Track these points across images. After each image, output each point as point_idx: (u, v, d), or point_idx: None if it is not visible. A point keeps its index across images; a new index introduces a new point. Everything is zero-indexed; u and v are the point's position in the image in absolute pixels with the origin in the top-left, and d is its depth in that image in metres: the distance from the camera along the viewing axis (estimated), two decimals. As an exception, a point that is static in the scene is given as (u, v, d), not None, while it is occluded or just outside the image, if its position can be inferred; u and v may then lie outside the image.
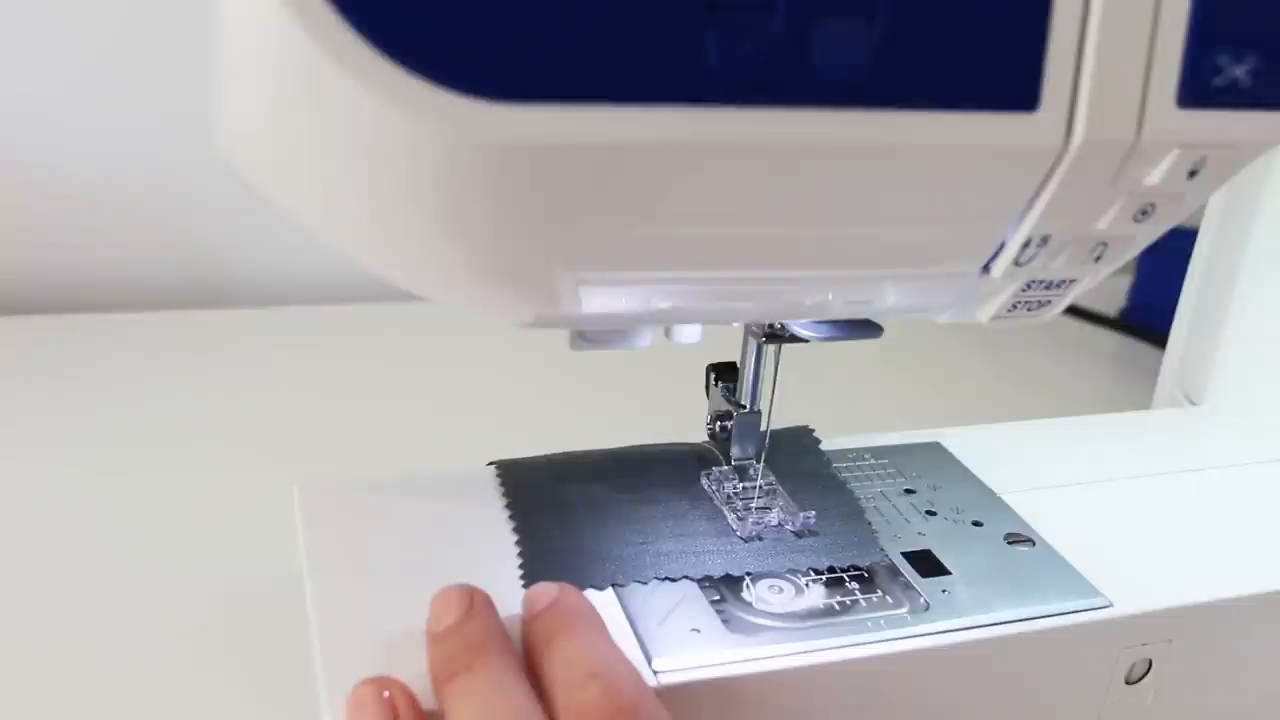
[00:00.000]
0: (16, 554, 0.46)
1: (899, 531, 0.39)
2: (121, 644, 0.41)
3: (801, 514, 0.39)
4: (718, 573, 0.36)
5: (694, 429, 0.42)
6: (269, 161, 0.25)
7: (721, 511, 0.39)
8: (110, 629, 0.41)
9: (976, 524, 0.40)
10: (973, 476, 0.43)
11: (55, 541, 0.47)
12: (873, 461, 0.44)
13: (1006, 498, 0.42)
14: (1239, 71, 0.25)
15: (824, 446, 0.44)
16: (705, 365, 0.41)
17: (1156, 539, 0.40)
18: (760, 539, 0.38)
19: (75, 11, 0.68)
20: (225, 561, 0.45)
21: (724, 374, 0.40)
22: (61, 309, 0.72)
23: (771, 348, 0.38)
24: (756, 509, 0.39)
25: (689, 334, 0.35)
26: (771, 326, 0.37)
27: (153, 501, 0.50)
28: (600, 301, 0.29)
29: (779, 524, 0.39)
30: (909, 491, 0.42)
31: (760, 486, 0.40)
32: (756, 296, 0.30)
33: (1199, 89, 0.25)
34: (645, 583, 0.35)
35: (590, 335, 0.33)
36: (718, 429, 0.41)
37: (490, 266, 0.26)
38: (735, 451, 0.40)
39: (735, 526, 0.38)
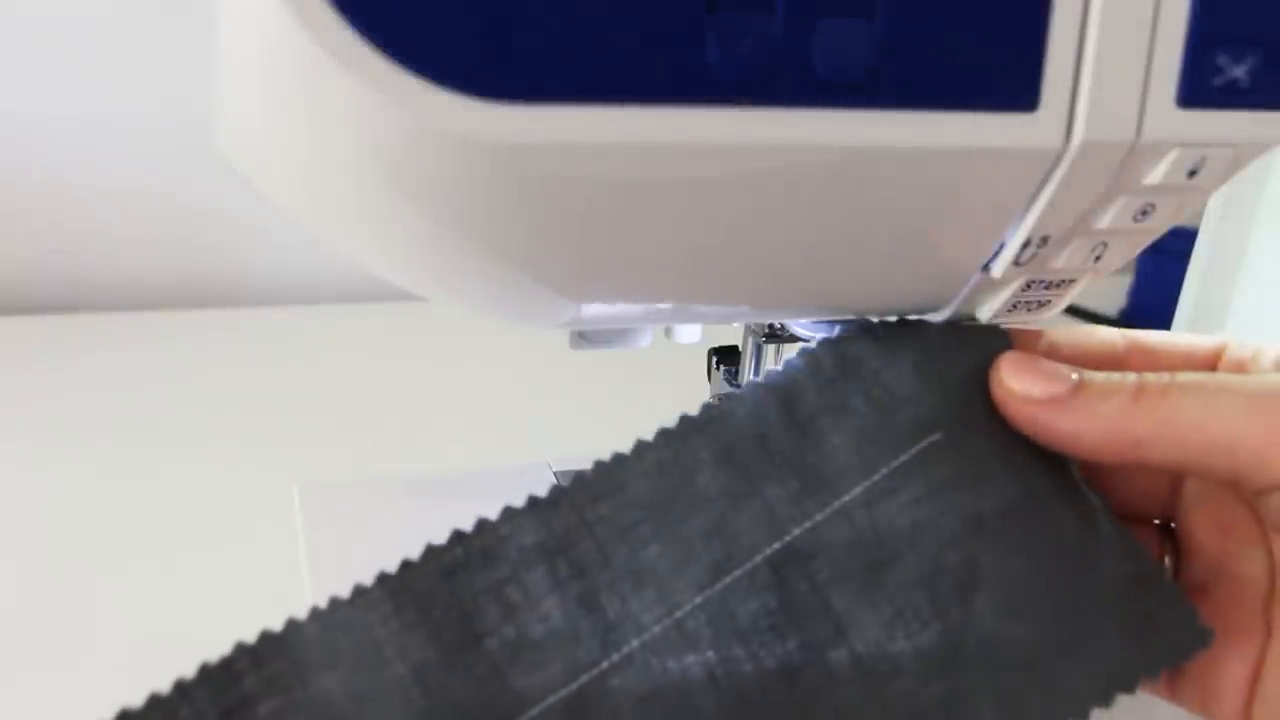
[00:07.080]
0: (16, 554, 0.45)
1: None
2: (121, 644, 0.41)
3: None
4: None
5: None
6: (267, 159, 0.25)
7: None
8: (109, 629, 0.41)
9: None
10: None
11: (54, 542, 0.47)
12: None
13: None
14: (1239, 71, 0.25)
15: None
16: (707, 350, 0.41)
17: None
18: None
19: (75, 12, 0.69)
20: (225, 561, 0.45)
21: (725, 358, 0.40)
22: (61, 309, 0.72)
23: (771, 348, 0.38)
24: None
25: (689, 334, 0.35)
26: (771, 326, 0.37)
27: (152, 501, 0.50)
28: (600, 303, 0.29)
29: None
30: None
31: None
32: (755, 296, 0.30)
33: (1199, 89, 0.25)
34: None
35: (590, 335, 0.33)
36: None
37: (487, 267, 0.26)
38: None
39: None
